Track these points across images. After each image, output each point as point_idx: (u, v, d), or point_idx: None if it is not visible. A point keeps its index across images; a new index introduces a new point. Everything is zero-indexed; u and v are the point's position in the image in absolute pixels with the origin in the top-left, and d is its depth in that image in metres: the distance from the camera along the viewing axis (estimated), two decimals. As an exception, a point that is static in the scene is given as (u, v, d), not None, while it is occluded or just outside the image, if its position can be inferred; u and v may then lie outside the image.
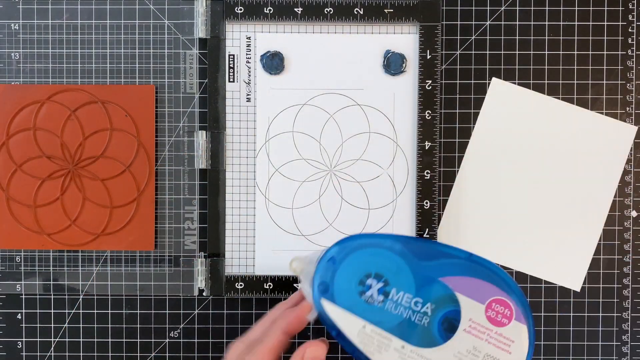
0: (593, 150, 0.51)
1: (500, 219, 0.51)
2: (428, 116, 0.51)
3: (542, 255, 0.51)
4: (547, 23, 0.52)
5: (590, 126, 0.51)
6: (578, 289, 0.51)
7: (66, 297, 0.52)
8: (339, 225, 0.52)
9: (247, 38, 0.51)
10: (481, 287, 0.35)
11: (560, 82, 0.52)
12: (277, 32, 0.51)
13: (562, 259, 0.51)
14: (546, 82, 0.52)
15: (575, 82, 0.52)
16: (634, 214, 0.52)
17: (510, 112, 0.51)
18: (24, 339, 0.52)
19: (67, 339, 0.52)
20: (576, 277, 0.51)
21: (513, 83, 0.51)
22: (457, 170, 0.52)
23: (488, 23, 0.52)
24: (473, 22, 0.52)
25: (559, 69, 0.52)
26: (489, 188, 0.51)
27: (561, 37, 0.52)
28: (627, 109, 0.52)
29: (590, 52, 0.52)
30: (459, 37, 0.52)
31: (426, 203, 0.51)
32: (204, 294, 0.51)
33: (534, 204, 0.51)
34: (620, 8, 0.52)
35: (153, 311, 0.52)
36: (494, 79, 0.51)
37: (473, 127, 0.52)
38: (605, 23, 0.52)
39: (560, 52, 0.52)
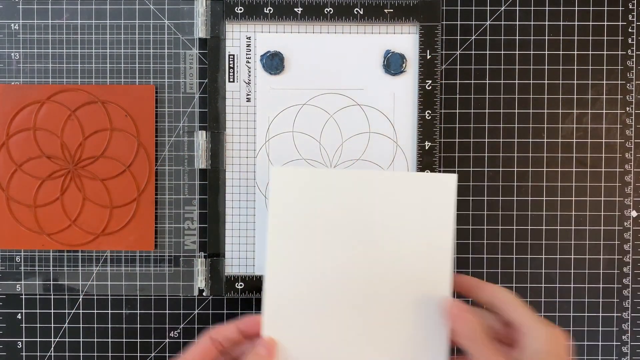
0: (415, 213, 0.42)
1: (336, 331, 0.42)
2: (428, 116, 0.51)
3: (395, 344, 0.42)
4: (547, 23, 0.52)
5: (405, 187, 0.42)
6: None
7: (66, 297, 0.52)
8: (339, 225, 0.52)
9: (247, 38, 0.51)
10: None
11: (560, 82, 0.52)
12: (277, 32, 0.51)
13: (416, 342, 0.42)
14: (546, 82, 0.52)
15: (575, 82, 0.52)
16: (634, 214, 0.52)
17: (304, 200, 0.42)
18: (24, 339, 0.52)
19: (67, 339, 0.52)
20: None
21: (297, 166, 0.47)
22: (456, 170, 0.52)
23: (488, 23, 0.52)
24: (473, 22, 0.52)
25: (559, 69, 0.52)
26: (309, 297, 0.42)
27: (561, 37, 0.52)
28: (627, 109, 0.52)
29: (590, 52, 0.52)
30: (459, 37, 0.52)
31: (426, 203, 0.51)
32: (204, 294, 0.51)
33: (368, 296, 0.42)
34: (620, 8, 0.52)
35: (153, 311, 0.52)
36: (272, 168, 0.42)
37: (472, 127, 0.52)
38: (605, 23, 0.52)
39: (560, 52, 0.52)
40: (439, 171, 0.51)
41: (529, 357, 0.39)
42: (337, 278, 0.42)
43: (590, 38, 0.52)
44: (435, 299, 0.42)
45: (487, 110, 0.52)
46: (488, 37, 0.52)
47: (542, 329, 0.40)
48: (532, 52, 0.52)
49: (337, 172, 0.43)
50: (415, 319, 0.42)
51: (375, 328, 0.42)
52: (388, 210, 0.42)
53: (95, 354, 0.52)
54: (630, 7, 0.52)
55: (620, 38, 0.52)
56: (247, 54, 0.51)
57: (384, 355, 0.42)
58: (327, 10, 0.51)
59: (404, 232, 0.42)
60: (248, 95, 0.52)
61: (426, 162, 0.51)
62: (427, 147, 0.51)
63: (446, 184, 0.42)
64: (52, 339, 0.52)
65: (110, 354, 0.52)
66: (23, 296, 0.52)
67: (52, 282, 0.52)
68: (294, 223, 0.42)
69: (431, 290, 0.42)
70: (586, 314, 0.52)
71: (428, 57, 0.51)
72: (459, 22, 0.52)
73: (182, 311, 0.52)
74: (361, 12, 0.51)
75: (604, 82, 0.52)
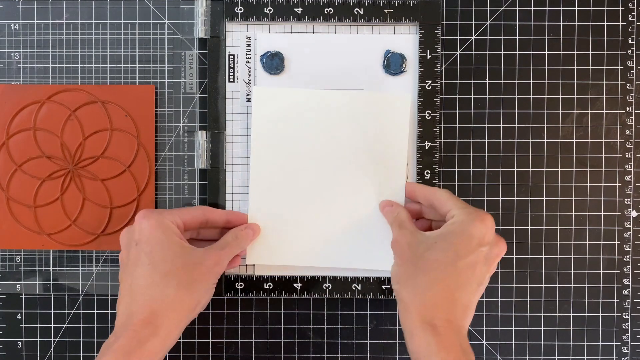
0: (376, 128, 0.50)
1: (307, 223, 0.51)
2: (428, 116, 0.51)
3: (361, 244, 0.51)
4: (547, 23, 0.52)
5: (366, 105, 0.50)
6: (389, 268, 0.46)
7: (66, 297, 0.52)
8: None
9: (247, 38, 0.51)
10: None
11: (560, 82, 0.52)
12: (277, 32, 0.51)
13: (378, 241, 0.50)
14: (546, 82, 0.52)
15: (575, 82, 0.52)
16: (634, 214, 0.52)
17: (282, 115, 0.50)
18: (24, 339, 0.52)
19: (67, 339, 0.52)
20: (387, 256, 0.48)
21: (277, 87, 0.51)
22: (456, 170, 0.52)
23: (488, 23, 0.52)
24: (473, 22, 0.52)
25: (559, 69, 0.52)
26: (285, 196, 0.50)
27: (561, 37, 0.52)
28: (627, 109, 0.52)
29: (590, 52, 0.52)
30: (459, 37, 0.52)
31: (426, 203, 0.51)
32: (204, 294, 0.51)
33: (335, 196, 0.50)
34: (620, 8, 0.52)
35: (153, 311, 0.52)
36: (254, 88, 0.50)
37: (472, 127, 0.52)
38: (605, 23, 0.52)
39: (560, 52, 0.52)
40: (440, 171, 0.52)
41: (441, 233, 0.43)
42: (308, 179, 0.50)
43: (590, 38, 0.52)
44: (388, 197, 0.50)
45: (487, 110, 0.52)
46: (488, 37, 0.52)
47: (464, 213, 0.43)
48: (532, 52, 0.52)
49: (309, 90, 0.50)
50: (372, 215, 0.50)
51: (338, 219, 0.50)
52: (354, 121, 0.50)
53: (95, 354, 0.52)
54: (630, 7, 0.52)
55: (620, 38, 0.52)
56: (247, 54, 0.51)
57: (342, 240, 0.51)
58: (327, 10, 0.51)
59: (367, 141, 0.50)
60: (248, 95, 0.52)
61: (426, 162, 0.51)
62: (427, 147, 0.51)
63: (402, 101, 0.50)
64: (52, 339, 0.52)
65: (110, 354, 0.52)
66: (23, 296, 0.52)
67: (52, 282, 0.52)
68: (272, 132, 0.50)
69: (388, 192, 0.50)
70: (586, 314, 0.52)
71: (428, 57, 0.51)
72: (459, 22, 0.52)
73: (182, 311, 0.52)
74: (361, 12, 0.51)
75: (604, 82, 0.52)
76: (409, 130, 0.50)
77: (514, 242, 0.52)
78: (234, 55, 0.51)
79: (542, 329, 0.52)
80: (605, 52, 0.52)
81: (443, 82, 0.52)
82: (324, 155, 0.50)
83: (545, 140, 0.52)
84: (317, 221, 0.50)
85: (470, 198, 0.52)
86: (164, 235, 0.44)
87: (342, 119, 0.50)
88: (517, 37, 0.52)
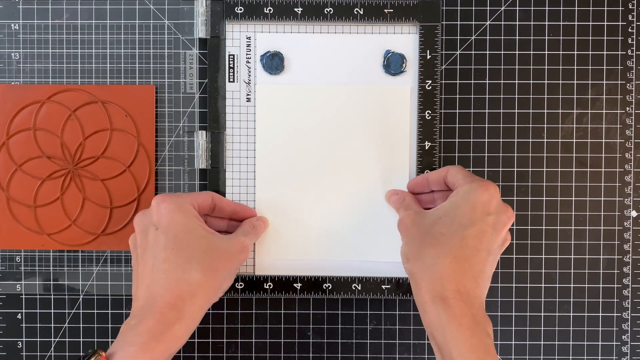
0: (378, 121, 0.51)
1: (314, 218, 0.51)
2: (428, 116, 0.51)
3: (370, 236, 0.51)
4: (547, 23, 0.52)
5: (367, 99, 0.51)
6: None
7: (66, 297, 0.52)
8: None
9: (247, 38, 0.51)
10: None
11: (560, 82, 0.52)
12: (277, 32, 0.51)
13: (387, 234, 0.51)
14: (546, 82, 0.52)
15: (575, 82, 0.52)
16: (634, 214, 0.52)
17: (285, 112, 0.51)
18: (24, 339, 0.52)
19: (67, 339, 0.52)
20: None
21: (278, 85, 0.51)
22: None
23: (488, 23, 0.52)
24: (473, 22, 0.52)
25: (559, 69, 0.52)
26: (292, 192, 0.51)
27: (561, 37, 0.52)
28: (627, 109, 0.52)
29: (590, 52, 0.52)
30: (459, 37, 0.52)
31: (426, 203, 0.51)
32: (204, 294, 0.51)
33: (341, 190, 0.51)
34: (620, 8, 0.52)
35: (153, 311, 0.52)
36: (257, 86, 0.51)
37: (472, 127, 0.52)
38: (605, 23, 0.52)
39: (560, 52, 0.52)
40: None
41: (445, 209, 0.44)
42: (314, 174, 0.51)
43: (590, 38, 0.52)
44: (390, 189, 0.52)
45: (487, 110, 0.52)
46: (488, 37, 0.52)
47: (466, 183, 0.44)
48: (532, 52, 0.52)
49: (311, 87, 0.51)
50: (379, 206, 0.51)
51: (345, 213, 0.51)
52: (357, 116, 0.51)
53: (95, 354, 0.52)
54: (630, 7, 0.52)
55: (620, 38, 0.52)
56: (247, 54, 0.51)
57: (350, 233, 0.51)
58: (327, 10, 0.51)
59: (370, 134, 0.51)
60: (248, 95, 0.52)
61: (426, 162, 0.51)
62: (427, 147, 0.51)
63: (402, 94, 0.51)
64: (52, 339, 0.52)
65: (110, 354, 0.52)
66: (23, 296, 0.52)
67: (52, 282, 0.52)
68: (277, 129, 0.51)
69: (393, 182, 0.51)
70: (586, 314, 0.52)
71: (428, 57, 0.51)
72: (459, 22, 0.52)
73: (182, 311, 0.52)
74: (361, 12, 0.51)
75: (604, 82, 0.52)
76: (409, 128, 0.51)
77: (514, 242, 0.52)
78: (234, 55, 0.51)
79: (542, 329, 0.52)
80: (605, 52, 0.52)
81: (443, 82, 0.52)
82: (328, 150, 0.51)
83: (545, 140, 0.52)
84: (324, 215, 0.51)
85: (470, 198, 0.52)
86: (186, 219, 0.44)
87: (345, 114, 0.51)
88: (517, 37, 0.52)
